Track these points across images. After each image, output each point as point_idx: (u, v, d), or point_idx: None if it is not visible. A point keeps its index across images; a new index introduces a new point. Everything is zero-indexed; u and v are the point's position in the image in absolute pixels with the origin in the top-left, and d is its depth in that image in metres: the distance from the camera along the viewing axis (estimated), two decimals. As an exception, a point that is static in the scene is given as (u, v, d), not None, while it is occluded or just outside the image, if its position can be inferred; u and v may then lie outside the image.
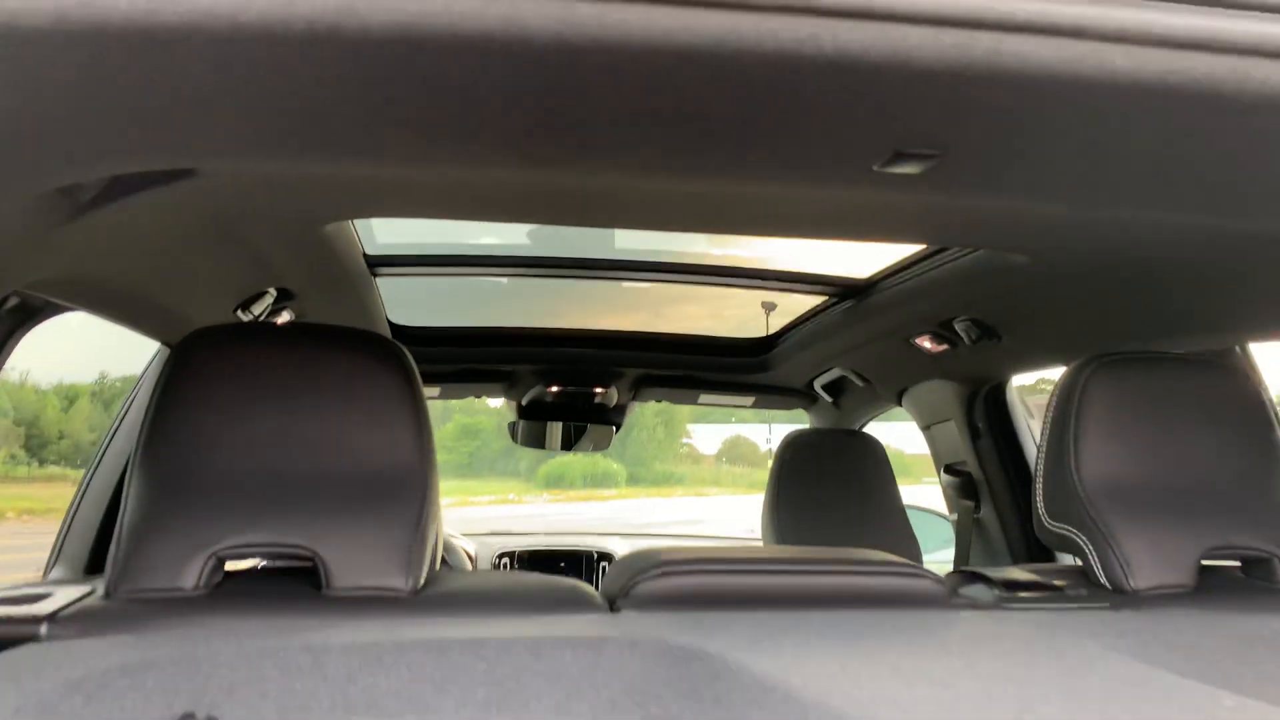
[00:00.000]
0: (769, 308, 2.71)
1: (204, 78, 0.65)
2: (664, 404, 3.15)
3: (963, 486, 2.41)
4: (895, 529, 2.21)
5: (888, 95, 0.65)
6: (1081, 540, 1.13)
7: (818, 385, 2.75)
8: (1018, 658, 0.83)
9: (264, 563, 1.07)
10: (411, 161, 0.94)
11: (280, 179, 1.06)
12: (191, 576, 0.94)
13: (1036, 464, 1.23)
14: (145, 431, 0.99)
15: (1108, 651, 0.82)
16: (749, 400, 2.93)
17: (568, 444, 3.17)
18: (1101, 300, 1.58)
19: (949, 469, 2.47)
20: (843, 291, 2.23)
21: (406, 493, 1.01)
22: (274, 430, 1.00)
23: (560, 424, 3.11)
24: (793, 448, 2.32)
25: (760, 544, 3.23)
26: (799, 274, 2.25)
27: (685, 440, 30.83)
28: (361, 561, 0.95)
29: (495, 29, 0.57)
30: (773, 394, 2.87)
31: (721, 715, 0.68)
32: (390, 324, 2.46)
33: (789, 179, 0.94)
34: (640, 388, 2.86)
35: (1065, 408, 1.19)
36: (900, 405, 2.58)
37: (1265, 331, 1.56)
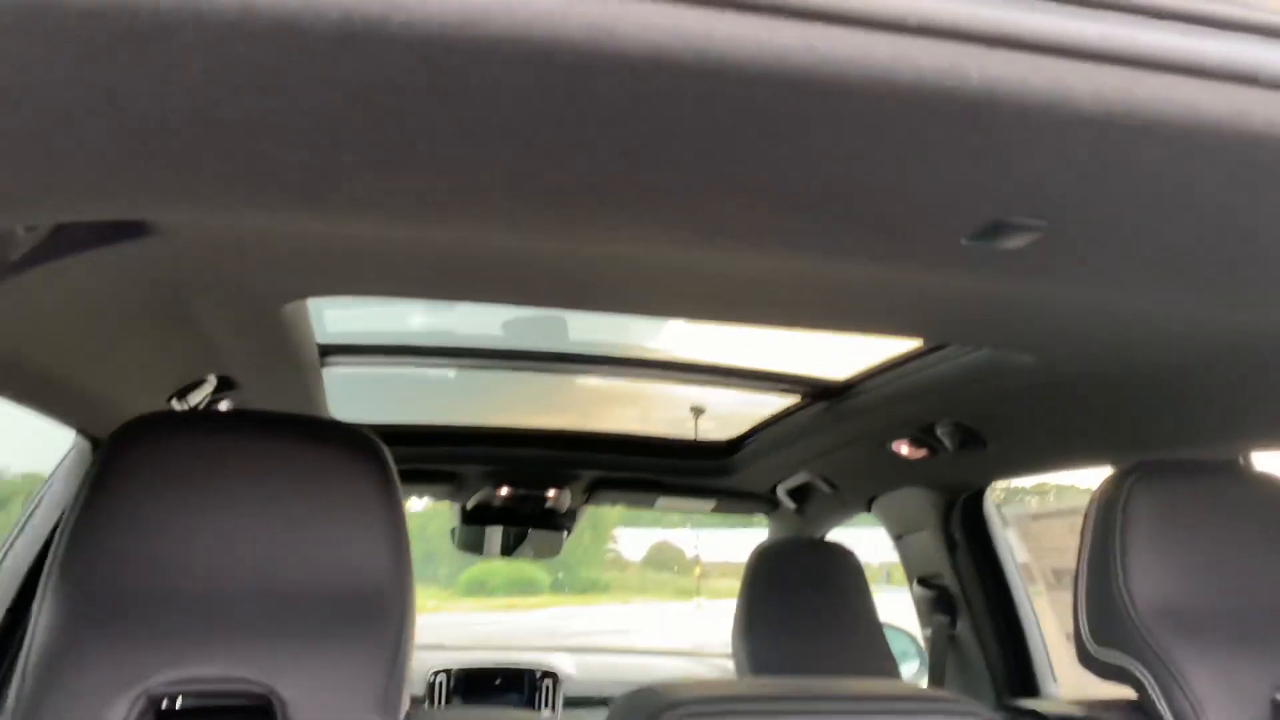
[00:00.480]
0: (697, 412, 2.62)
1: (181, 98, 0.52)
2: (591, 506, 3.01)
3: (938, 600, 2.30)
4: (874, 647, 2.08)
5: (1016, 144, 0.56)
6: (1140, 672, 1.01)
7: (781, 491, 2.64)
8: None
9: (207, 702, 0.88)
10: (403, 224, 0.82)
11: (250, 241, 0.92)
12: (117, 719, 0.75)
13: (1076, 583, 1.12)
14: (64, 541, 0.82)
15: None
16: (709, 505, 2.80)
17: (507, 549, 2.99)
18: (1105, 405, 1.51)
19: (923, 581, 2.35)
20: (816, 392, 2.14)
21: (382, 616, 0.84)
22: (224, 541, 0.83)
23: (500, 528, 2.94)
24: (765, 559, 2.19)
25: (727, 658, 3.05)
26: (771, 373, 2.15)
27: (611, 545, 30.35)
28: (328, 702, 0.78)
29: (526, 60, 0.45)
30: (734, 499, 2.75)
31: None
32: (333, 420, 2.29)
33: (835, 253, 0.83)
34: (596, 491, 2.71)
35: (1108, 521, 1.08)
36: (869, 512, 2.48)
37: (1273, 442, 1.50)
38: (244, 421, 1.12)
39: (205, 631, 0.79)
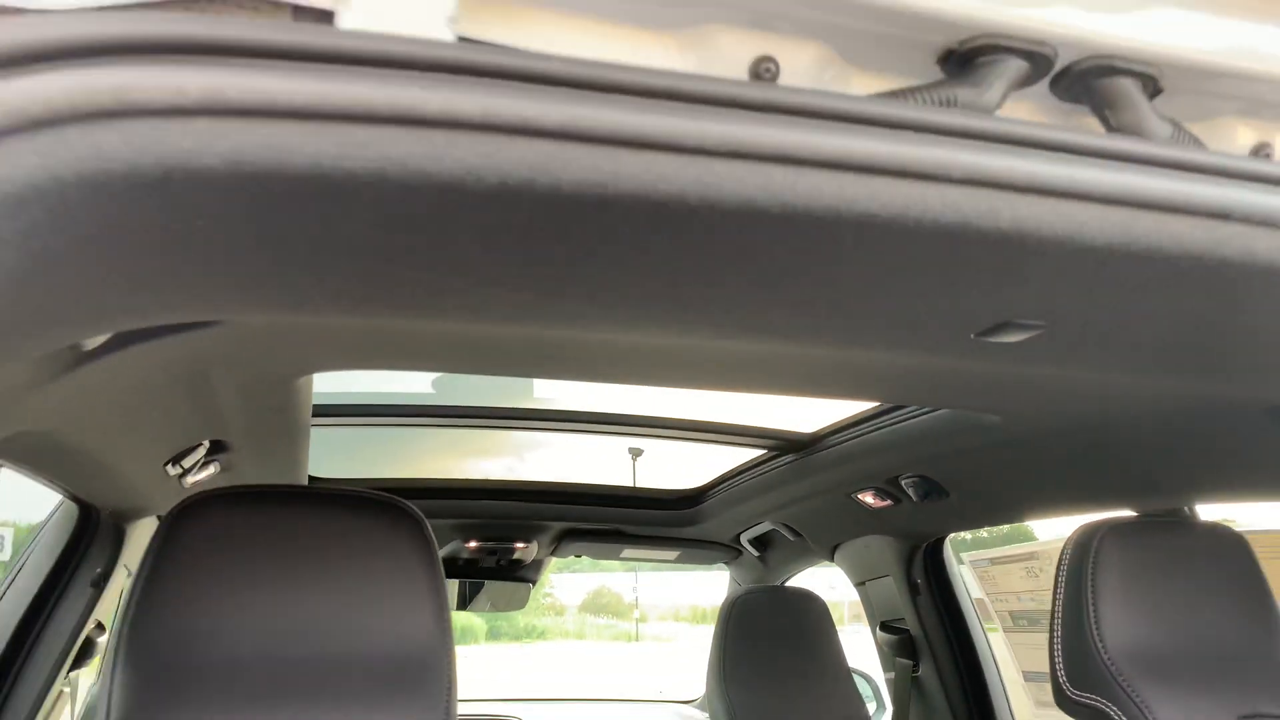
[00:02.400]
0: (635, 453, 2.69)
1: (320, 232, 0.58)
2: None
3: (901, 644, 2.39)
4: (845, 692, 2.15)
5: (1033, 267, 0.65)
6: (1113, 712, 1.11)
7: (745, 539, 2.71)
8: None
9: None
10: (434, 317, 0.88)
11: (285, 327, 0.98)
12: None
13: (1051, 630, 1.21)
14: (130, 613, 0.86)
15: None
16: (673, 554, 2.87)
17: (463, 603, 3.01)
18: (1063, 461, 1.62)
19: (885, 626, 2.44)
20: (783, 446, 2.23)
21: (431, 684, 0.90)
22: (284, 612, 0.88)
23: (458, 581, 2.96)
24: (738, 609, 2.25)
25: (689, 705, 3.09)
26: (741, 427, 2.23)
27: (548, 590, 30.06)
28: None
29: (540, 181, 0.53)
30: (698, 547, 2.81)
31: None
32: (310, 478, 2.31)
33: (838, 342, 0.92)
34: (563, 542, 2.75)
35: (1080, 574, 1.18)
36: (832, 560, 2.56)
37: (1213, 494, 1.63)
38: (295, 496, 1.16)
39: (270, 700, 0.84)
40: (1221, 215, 0.62)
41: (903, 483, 2.00)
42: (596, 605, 29.58)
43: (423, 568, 0.94)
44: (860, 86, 0.71)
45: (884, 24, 0.68)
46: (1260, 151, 0.82)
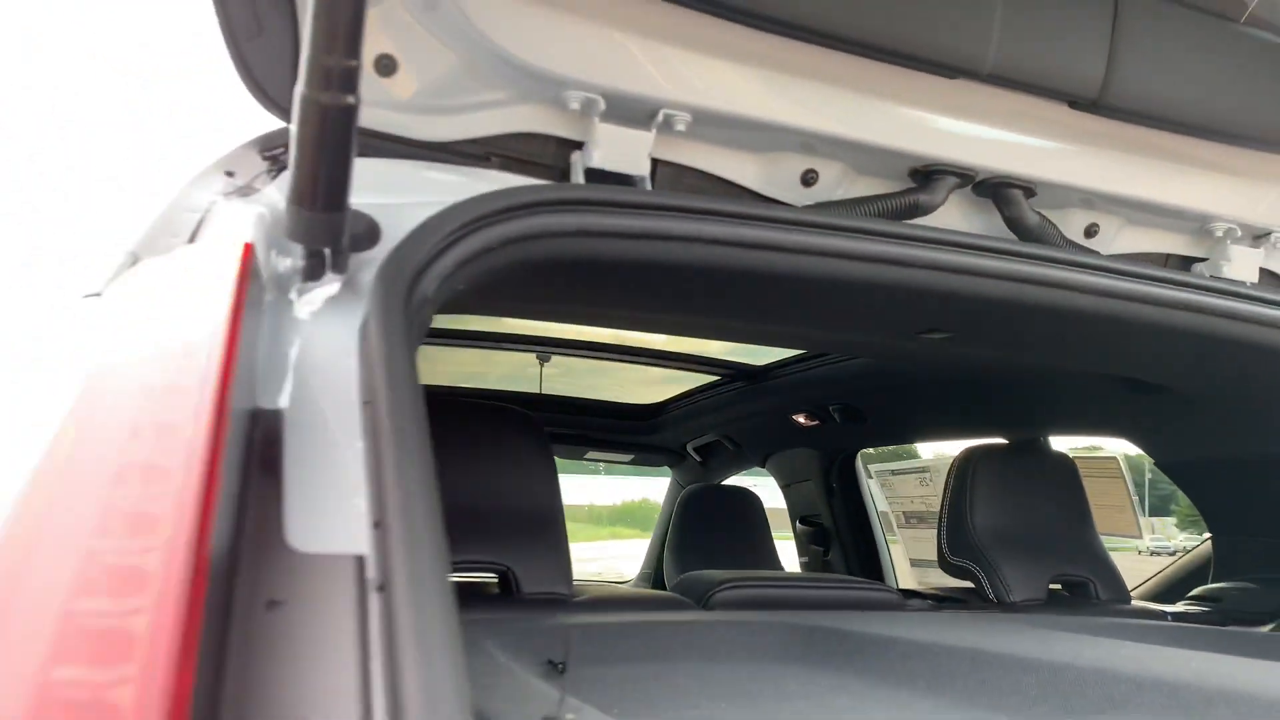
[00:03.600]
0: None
1: (574, 279, 1.05)
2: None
3: (815, 534, 2.98)
4: (772, 568, 2.73)
5: (943, 303, 1.16)
6: (976, 570, 1.67)
7: (691, 447, 3.25)
8: (961, 633, 1.32)
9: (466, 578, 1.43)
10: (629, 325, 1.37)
11: None
12: None
13: (940, 517, 1.78)
14: None
15: (1008, 631, 1.33)
16: (629, 457, 3.39)
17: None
18: (955, 401, 2.19)
19: (804, 520, 3.04)
20: (737, 374, 2.76)
21: (553, 527, 1.39)
22: (473, 478, 1.37)
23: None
24: (690, 498, 2.80)
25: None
26: (707, 358, 2.75)
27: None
28: (540, 576, 1.34)
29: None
30: (651, 452, 3.34)
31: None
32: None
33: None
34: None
35: (963, 478, 1.74)
36: (763, 466, 3.13)
37: (1059, 430, 2.22)
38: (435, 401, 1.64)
39: (464, 533, 1.32)
40: (1057, 285, 1.13)
41: (830, 408, 2.56)
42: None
43: (539, 451, 1.44)
44: (864, 188, 1.20)
45: (878, 154, 1.17)
46: (1091, 230, 1.34)
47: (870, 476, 2.97)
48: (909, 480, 3.26)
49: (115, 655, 0.37)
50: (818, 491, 2.92)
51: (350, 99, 0.68)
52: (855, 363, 2.25)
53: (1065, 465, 1.86)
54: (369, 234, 0.81)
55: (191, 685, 0.37)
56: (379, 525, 0.53)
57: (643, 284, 1.12)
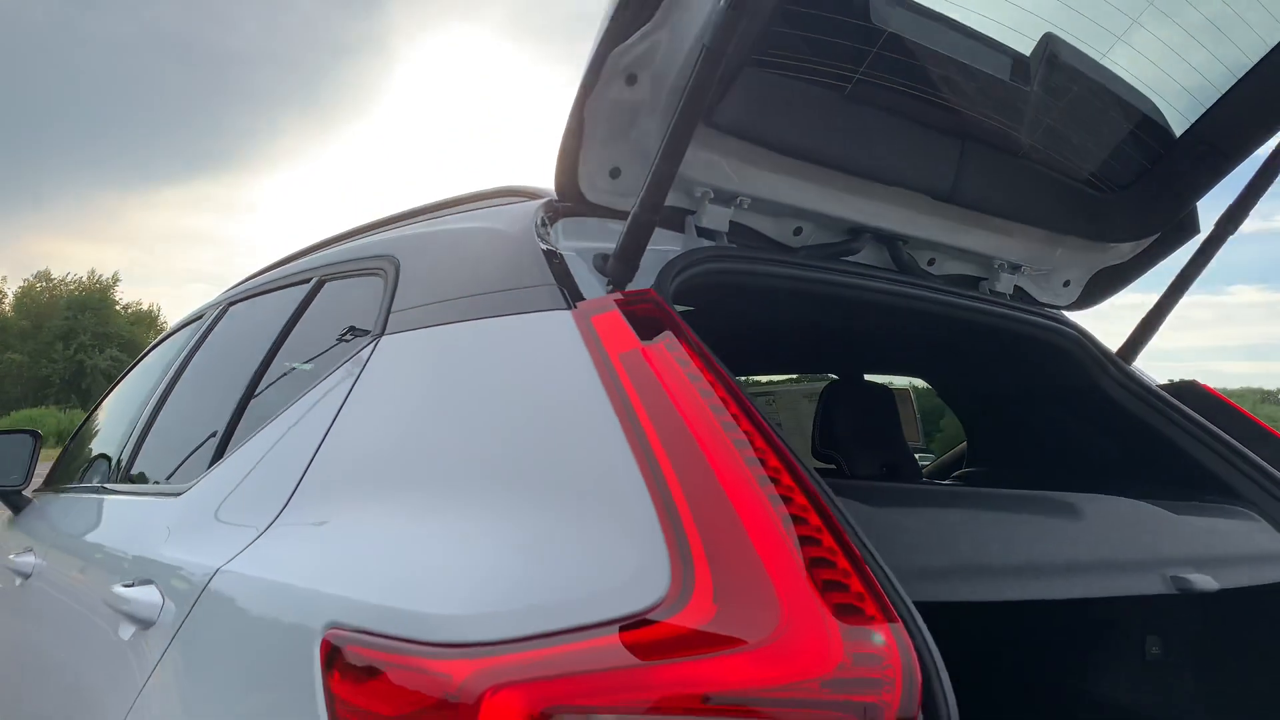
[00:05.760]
0: None
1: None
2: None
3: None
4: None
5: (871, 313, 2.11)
6: (836, 456, 2.70)
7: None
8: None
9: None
10: None
11: None
12: None
13: (814, 423, 2.78)
14: None
15: (858, 493, 2.37)
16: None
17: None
18: (802, 344, 3.22)
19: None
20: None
21: None
22: None
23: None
24: None
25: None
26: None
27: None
28: None
29: None
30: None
31: None
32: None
33: None
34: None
35: (826, 400, 2.75)
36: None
37: (882, 370, 3.31)
38: None
39: None
40: (913, 295, 2.11)
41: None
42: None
43: None
44: (824, 238, 2.13)
45: (833, 221, 2.10)
46: (930, 262, 2.34)
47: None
48: (758, 402, 4.37)
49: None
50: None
51: (655, 217, 1.52)
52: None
53: (886, 392, 2.92)
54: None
55: None
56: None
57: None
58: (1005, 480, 2.75)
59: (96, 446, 3.49)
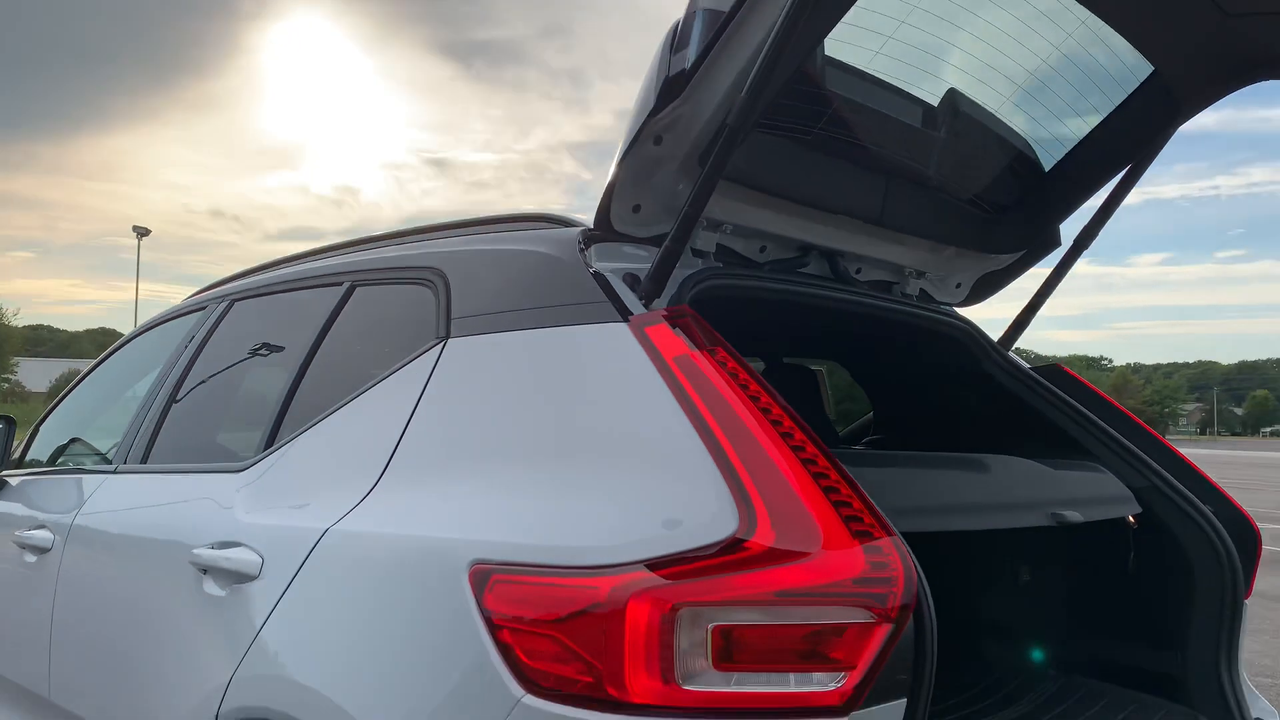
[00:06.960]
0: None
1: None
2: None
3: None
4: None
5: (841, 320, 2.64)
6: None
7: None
8: None
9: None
10: None
11: None
12: None
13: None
14: None
15: None
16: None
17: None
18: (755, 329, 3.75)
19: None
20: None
21: None
22: None
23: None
24: None
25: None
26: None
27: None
28: None
29: None
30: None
31: None
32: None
33: None
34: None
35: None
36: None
37: (807, 357, 3.87)
38: None
39: None
40: (845, 298, 2.65)
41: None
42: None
43: None
44: (781, 254, 2.64)
45: (789, 240, 2.62)
46: (858, 271, 2.90)
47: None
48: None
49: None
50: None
51: (681, 247, 2.00)
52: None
53: (814, 373, 3.48)
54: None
55: None
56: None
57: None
58: (910, 445, 3.36)
59: (91, 430, 3.71)
